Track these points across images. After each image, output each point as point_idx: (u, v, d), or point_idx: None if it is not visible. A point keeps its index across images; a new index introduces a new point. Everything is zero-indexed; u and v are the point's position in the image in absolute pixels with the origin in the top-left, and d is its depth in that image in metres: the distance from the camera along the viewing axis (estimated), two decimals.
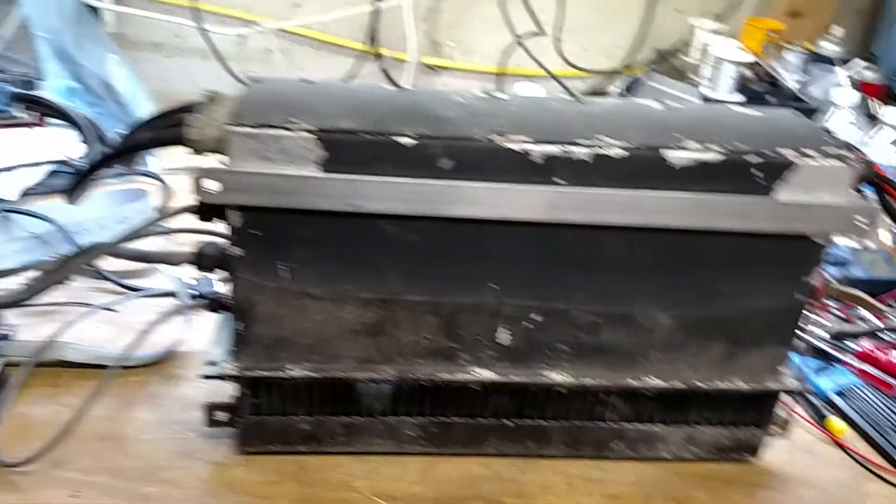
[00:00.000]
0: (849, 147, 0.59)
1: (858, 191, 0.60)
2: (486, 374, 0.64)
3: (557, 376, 0.64)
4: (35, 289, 0.62)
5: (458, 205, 0.56)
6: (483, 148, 0.55)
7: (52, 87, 1.07)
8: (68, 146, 1.07)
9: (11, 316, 0.77)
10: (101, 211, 0.94)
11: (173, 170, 1.12)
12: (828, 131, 0.63)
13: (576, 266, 0.60)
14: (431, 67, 1.58)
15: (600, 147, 0.56)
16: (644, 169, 0.56)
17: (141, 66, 1.43)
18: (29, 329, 0.77)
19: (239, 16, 1.46)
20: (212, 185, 0.54)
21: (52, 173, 1.07)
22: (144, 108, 1.22)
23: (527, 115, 0.59)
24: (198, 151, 0.55)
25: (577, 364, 0.64)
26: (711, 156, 0.56)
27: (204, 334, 0.79)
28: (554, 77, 1.49)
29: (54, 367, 0.73)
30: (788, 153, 0.57)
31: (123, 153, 0.58)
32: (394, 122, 0.56)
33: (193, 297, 0.81)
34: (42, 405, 0.69)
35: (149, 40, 1.48)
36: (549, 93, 1.47)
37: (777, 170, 0.57)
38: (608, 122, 0.60)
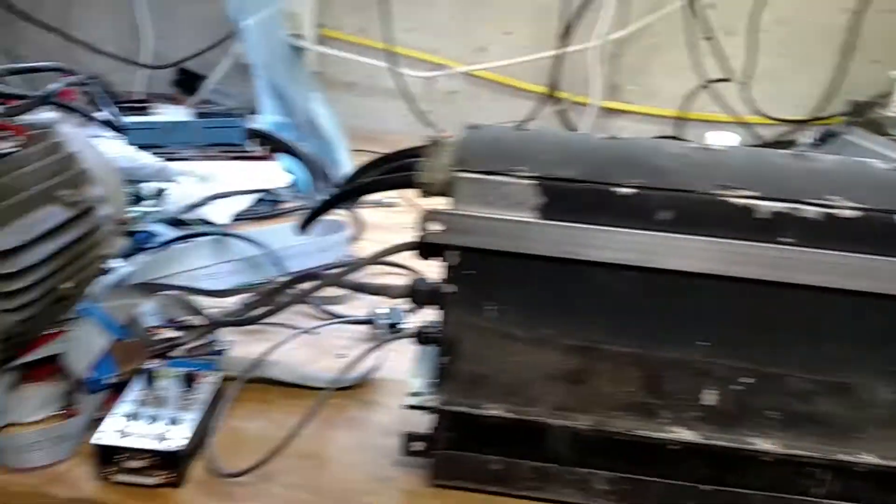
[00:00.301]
0: None
1: None
2: (686, 435, 0.62)
3: (764, 444, 0.61)
4: (262, 313, 0.67)
5: (674, 258, 0.55)
6: (705, 201, 0.54)
7: (266, 121, 1.16)
8: (275, 176, 1.16)
9: (227, 333, 0.84)
10: (304, 240, 1.01)
11: (364, 204, 1.19)
12: None
13: (794, 330, 0.57)
14: (609, 111, 1.58)
15: (831, 207, 0.53)
16: (879, 232, 0.53)
17: (333, 104, 1.53)
18: (239, 346, 0.84)
19: (428, 59, 1.53)
20: (435, 226, 0.57)
21: (259, 201, 1.16)
22: (342, 146, 1.31)
23: (749, 168, 0.58)
24: (427, 194, 0.58)
25: (786, 433, 0.61)
26: None
27: (395, 364, 0.83)
28: (743, 124, 1.45)
29: (263, 384, 0.78)
30: None
31: (352, 195, 0.62)
32: (612, 171, 0.56)
33: (391, 325, 0.85)
34: (253, 420, 0.74)
35: (343, 80, 1.58)
36: (743, 141, 1.43)
37: None
38: (835, 180, 0.57)
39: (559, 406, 0.63)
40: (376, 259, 0.63)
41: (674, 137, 1.54)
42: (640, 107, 1.57)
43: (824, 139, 1.30)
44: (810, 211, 0.53)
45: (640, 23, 1.44)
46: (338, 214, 1.15)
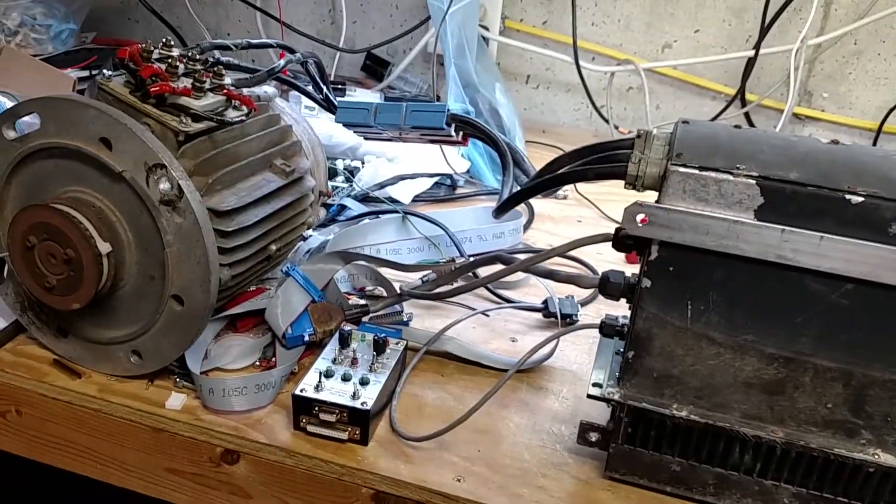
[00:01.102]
0: None
1: None
2: (888, 459, 0.58)
3: None
4: (453, 291, 0.70)
5: None
6: None
7: (451, 108, 1.19)
8: (455, 161, 1.20)
9: (408, 306, 0.87)
10: (479, 224, 1.03)
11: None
12: None
13: None
14: (799, 117, 1.49)
15: None
16: None
17: (510, 95, 1.54)
18: (419, 319, 0.87)
19: (611, 54, 1.51)
20: (641, 218, 0.56)
21: (437, 184, 1.20)
22: (520, 136, 1.32)
23: None
24: (634, 187, 0.58)
25: None
26: None
27: (568, 353, 0.84)
28: None
29: (440, 357, 0.81)
30: None
31: (556, 183, 0.63)
32: (839, 177, 0.54)
33: (563, 316, 0.86)
34: (431, 390, 0.77)
35: (521, 71, 1.59)
36: None
37: None
38: None
39: (752, 415, 0.61)
40: (572, 248, 0.63)
41: None
42: (834, 115, 1.47)
43: None
44: None
45: (844, 29, 1.35)
46: None
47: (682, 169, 0.55)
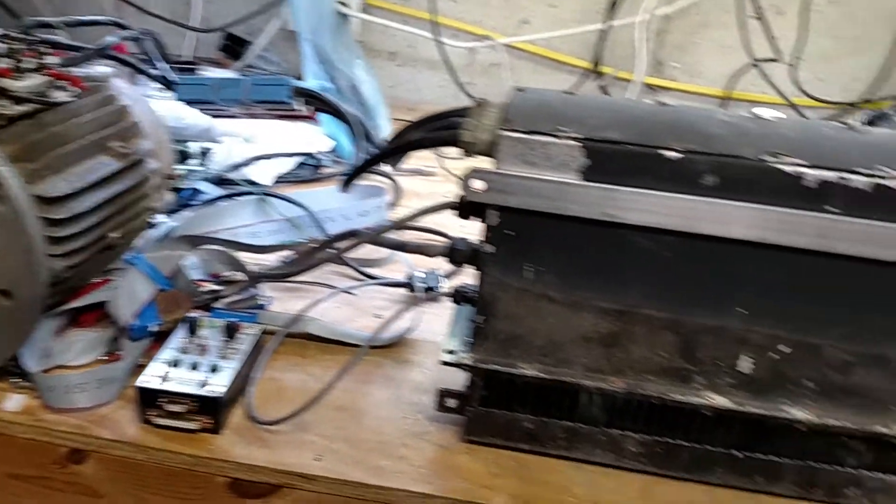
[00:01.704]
0: None
1: None
2: (720, 401, 0.62)
3: (799, 413, 0.61)
4: (301, 267, 0.69)
5: (717, 223, 0.55)
6: (752, 167, 0.54)
7: (310, 86, 1.17)
8: (317, 141, 1.18)
9: (267, 289, 0.86)
10: (344, 203, 1.02)
11: (403, 171, 1.20)
12: None
13: (836, 300, 0.57)
14: (652, 87, 1.56)
15: (882, 177, 0.53)
16: None
17: (374, 72, 1.53)
18: (279, 302, 0.85)
19: (471, 30, 1.53)
20: (478, 185, 0.57)
21: (301, 164, 1.18)
22: (383, 112, 1.31)
23: (799, 138, 0.57)
24: (470, 153, 0.58)
25: (821, 403, 0.61)
26: None
27: (432, 325, 0.84)
28: (791, 105, 1.43)
29: (301, 339, 0.80)
30: None
31: (397, 151, 0.63)
32: (659, 135, 0.56)
33: (426, 289, 0.86)
34: (291, 372, 0.76)
35: (385, 48, 1.59)
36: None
37: None
38: (885, 151, 0.56)
39: (593, 368, 0.63)
40: (415, 217, 0.63)
41: None
42: (685, 84, 1.55)
43: (873, 122, 1.27)
44: (859, 181, 0.53)
45: (689, 0, 1.42)
46: (377, 181, 1.16)
47: (511, 134, 0.56)
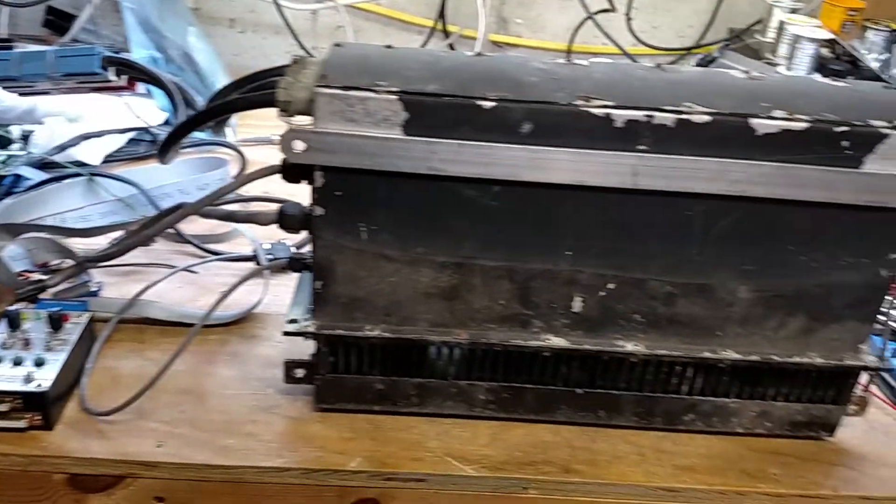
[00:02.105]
0: None
1: None
2: (558, 342, 0.64)
3: (631, 346, 0.64)
4: (127, 245, 0.65)
5: (536, 170, 0.56)
6: (565, 112, 0.55)
7: (137, 57, 1.10)
8: (149, 114, 1.11)
9: (98, 274, 0.81)
10: (181, 178, 0.97)
11: (249, 140, 1.15)
12: None
13: (654, 235, 0.60)
14: (499, 45, 1.57)
15: (685, 113, 0.55)
16: (729, 136, 0.56)
17: (216, 40, 1.46)
18: (115, 287, 0.81)
19: None
20: (299, 146, 0.55)
21: (133, 140, 1.11)
22: (221, 81, 1.26)
23: (609, 81, 0.59)
24: (286, 113, 0.56)
25: (651, 335, 0.64)
26: (798, 125, 0.55)
27: (281, 297, 0.82)
28: (626, 53, 1.47)
29: (139, 324, 0.76)
30: (878, 123, 0.55)
31: (212, 114, 0.60)
32: (475, 85, 0.56)
33: (271, 260, 0.84)
34: (128, 359, 0.72)
35: (224, 15, 1.51)
36: None
37: (866, 140, 0.56)
38: (692, 89, 0.59)
39: (437, 323, 0.64)
40: (239, 185, 0.61)
41: None
42: (529, 40, 1.57)
43: (703, 66, 1.34)
44: (664, 117, 0.55)
45: None
46: (221, 152, 1.12)
47: (327, 90, 0.55)
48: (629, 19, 1.49)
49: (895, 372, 0.78)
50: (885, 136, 0.55)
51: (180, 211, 0.64)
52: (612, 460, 0.65)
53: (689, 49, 1.55)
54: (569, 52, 1.55)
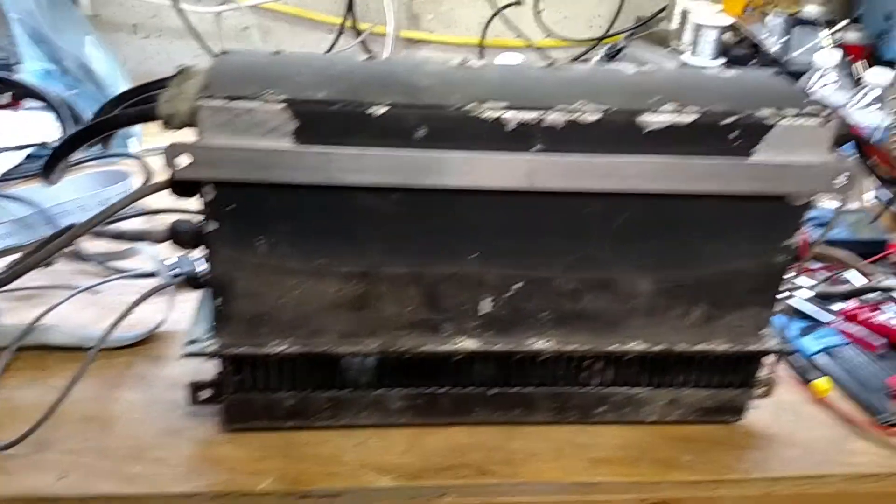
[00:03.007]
0: (827, 107, 0.59)
1: (837, 151, 0.60)
2: (470, 345, 0.64)
3: (541, 344, 0.64)
4: (16, 272, 0.62)
5: (433, 175, 0.56)
6: (457, 116, 0.54)
7: (30, 70, 1.05)
8: (46, 129, 1.06)
9: None
10: (82, 193, 0.94)
11: (153, 151, 1.12)
12: (806, 92, 0.63)
13: (555, 233, 0.60)
14: (412, 41, 1.57)
15: (574, 112, 0.55)
16: (619, 133, 0.56)
17: (119, 47, 1.41)
18: (14, 313, 0.77)
19: None
20: (183, 160, 0.53)
21: (30, 157, 1.06)
22: (122, 89, 1.21)
23: (503, 82, 0.59)
24: (170, 126, 0.54)
25: (560, 331, 0.64)
26: (686, 118, 0.56)
27: (189, 314, 0.79)
28: (534, 46, 1.49)
29: (39, 351, 0.72)
30: (764, 113, 0.57)
31: (94, 131, 0.57)
32: (367, 91, 0.55)
33: (175, 276, 0.81)
34: (28, 389, 0.69)
35: (125, 21, 1.47)
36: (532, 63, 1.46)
37: (753, 130, 0.57)
38: (584, 87, 0.59)
39: (347, 333, 0.63)
40: (129, 202, 0.59)
41: None
42: (441, 35, 1.56)
43: (611, 55, 1.36)
44: (555, 118, 0.55)
45: None
46: (126, 164, 1.08)
47: (211, 102, 0.53)
48: (538, 12, 1.50)
49: (801, 353, 0.80)
50: (772, 125, 0.57)
51: (70, 232, 0.61)
52: (528, 458, 0.65)
53: (599, 39, 1.57)
54: (481, 46, 1.55)
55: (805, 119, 0.57)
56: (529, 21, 1.50)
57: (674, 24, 1.39)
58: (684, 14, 1.34)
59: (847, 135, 0.60)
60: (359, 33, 1.49)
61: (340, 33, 1.44)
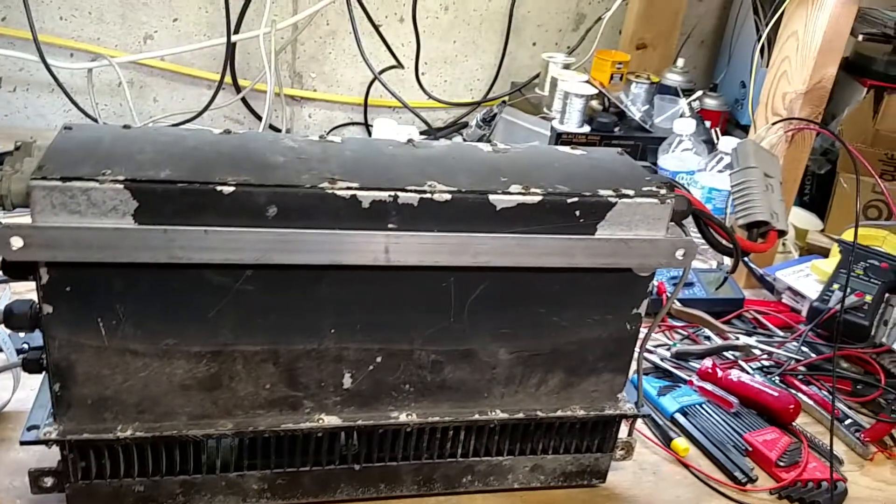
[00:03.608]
0: (670, 184, 0.62)
1: (681, 225, 0.64)
2: (331, 420, 0.63)
3: (404, 416, 0.64)
4: None
5: (287, 253, 0.55)
6: (311, 195, 0.54)
7: None
8: None
9: None
10: None
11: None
12: (651, 168, 0.67)
13: (414, 307, 0.60)
14: (296, 98, 1.56)
15: (427, 192, 0.56)
16: (470, 212, 0.57)
17: None
18: None
19: (89, 48, 1.40)
20: (16, 242, 0.51)
21: None
22: None
23: (358, 159, 0.59)
24: (4, 207, 0.51)
25: (422, 403, 0.64)
26: (533, 198, 0.58)
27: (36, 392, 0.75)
28: (411, 110, 1.51)
29: None
30: (606, 193, 0.59)
31: None
32: (215, 169, 0.54)
33: (21, 352, 0.76)
34: None
35: None
36: (412, 126, 1.49)
37: (596, 209, 0.59)
38: (439, 166, 0.60)
39: (198, 415, 0.60)
40: None
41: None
42: (325, 94, 1.57)
43: (486, 120, 1.39)
44: (408, 197, 0.56)
45: (310, 10, 1.43)
46: None
47: (44, 182, 0.50)
48: (418, 76, 1.53)
49: (661, 412, 0.83)
50: (613, 204, 0.59)
51: None
52: None
53: (477, 103, 1.62)
54: (365, 105, 1.57)
55: (644, 198, 0.60)
56: (411, 83, 1.53)
57: (546, 91, 1.45)
58: (553, 82, 1.39)
59: (687, 210, 0.63)
60: (239, 90, 1.47)
61: (219, 89, 1.42)
